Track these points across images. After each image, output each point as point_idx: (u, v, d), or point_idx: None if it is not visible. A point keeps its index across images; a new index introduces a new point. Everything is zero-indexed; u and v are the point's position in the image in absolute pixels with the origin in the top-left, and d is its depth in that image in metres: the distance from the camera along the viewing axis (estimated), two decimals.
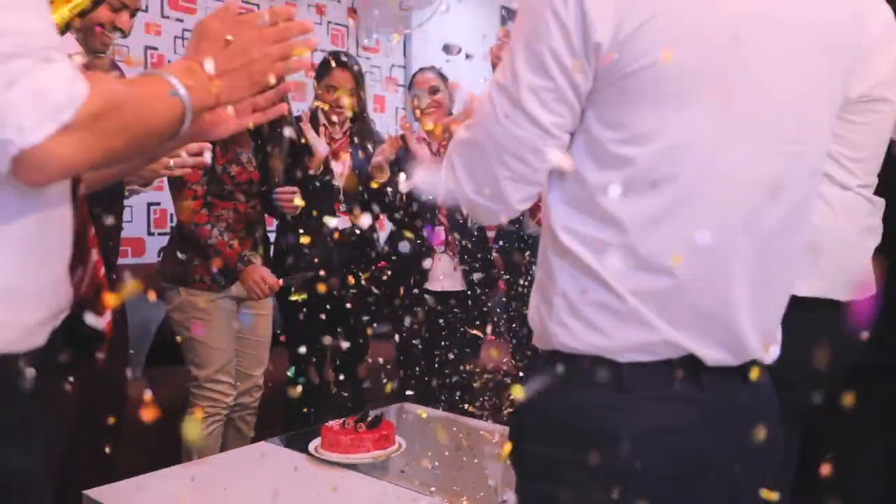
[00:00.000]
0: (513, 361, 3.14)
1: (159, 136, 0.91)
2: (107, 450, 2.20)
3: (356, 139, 2.94)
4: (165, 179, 2.60)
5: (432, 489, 1.81)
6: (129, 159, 0.95)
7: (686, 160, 0.89)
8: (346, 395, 2.95)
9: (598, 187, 0.91)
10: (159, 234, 3.57)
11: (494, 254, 3.18)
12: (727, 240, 0.92)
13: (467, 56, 2.37)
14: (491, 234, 3.24)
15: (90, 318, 0.99)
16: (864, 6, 1.03)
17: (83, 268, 0.99)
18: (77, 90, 0.79)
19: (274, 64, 1.01)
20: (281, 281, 2.59)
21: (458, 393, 2.92)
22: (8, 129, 0.75)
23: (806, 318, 1.44)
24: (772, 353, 1.03)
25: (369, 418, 2.08)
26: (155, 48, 3.55)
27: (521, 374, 2.93)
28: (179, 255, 2.50)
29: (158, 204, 3.56)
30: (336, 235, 2.75)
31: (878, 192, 1.60)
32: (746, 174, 0.92)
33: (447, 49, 2.33)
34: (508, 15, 5.66)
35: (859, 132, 1.51)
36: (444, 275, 3.04)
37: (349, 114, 2.87)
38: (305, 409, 2.78)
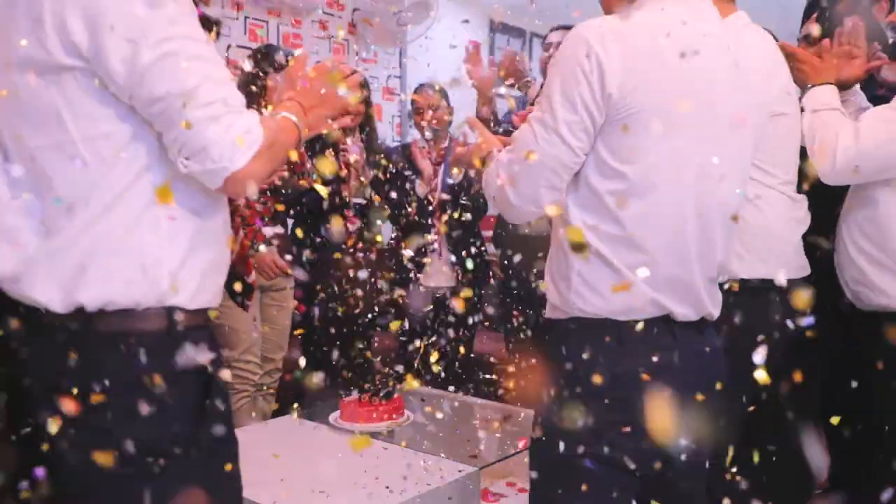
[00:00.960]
0: (507, 348, 3.46)
1: (287, 159, 1.28)
2: None
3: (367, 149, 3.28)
4: None
5: (440, 453, 2.11)
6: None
7: (662, 175, 1.31)
8: (353, 375, 3.30)
9: (604, 192, 1.32)
10: None
11: (491, 248, 3.52)
12: (686, 227, 1.35)
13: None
14: (487, 233, 3.58)
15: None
16: (762, 47, 1.43)
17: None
18: (260, 130, 1.16)
19: (344, 98, 1.36)
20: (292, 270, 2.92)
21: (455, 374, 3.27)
22: (225, 160, 1.12)
23: (755, 296, 1.83)
24: (717, 310, 1.46)
25: (382, 394, 2.42)
26: None
27: (512, 358, 3.29)
28: None
29: None
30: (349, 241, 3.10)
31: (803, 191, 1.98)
32: (700, 182, 1.35)
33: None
34: (495, 27, 6.01)
35: (772, 140, 1.83)
36: (437, 272, 3.40)
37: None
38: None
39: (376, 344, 3.44)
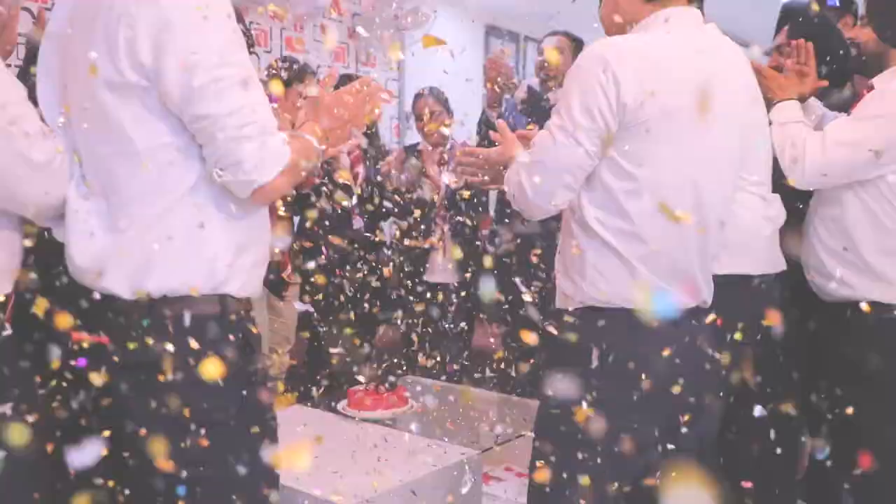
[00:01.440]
0: (505, 341, 3.59)
1: (309, 174, 1.42)
2: None
3: (368, 150, 3.41)
4: None
5: (443, 438, 2.25)
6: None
7: (666, 177, 1.48)
8: (357, 367, 3.42)
9: (616, 191, 1.48)
10: None
11: (489, 248, 3.64)
12: (686, 223, 1.48)
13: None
14: (485, 232, 3.70)
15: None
16: (735, 57, 1.62)
17: None
18: (287, 150, 1.30)
19: (364, 118, 1.51)
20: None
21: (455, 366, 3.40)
22: (255, 174, 1.27)
23: (730, 288, 1.97)
24: (710, 298, 1.62)
25: (386, 384, 2.55)
26: None
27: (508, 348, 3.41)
28: None
29: None
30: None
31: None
32: (699, 181, 1.51)
33: None
34: (491, 32, 6.14)
35: (747, 144, 1.92)
36: (440, 268, 3.53)
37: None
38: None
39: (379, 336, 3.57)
